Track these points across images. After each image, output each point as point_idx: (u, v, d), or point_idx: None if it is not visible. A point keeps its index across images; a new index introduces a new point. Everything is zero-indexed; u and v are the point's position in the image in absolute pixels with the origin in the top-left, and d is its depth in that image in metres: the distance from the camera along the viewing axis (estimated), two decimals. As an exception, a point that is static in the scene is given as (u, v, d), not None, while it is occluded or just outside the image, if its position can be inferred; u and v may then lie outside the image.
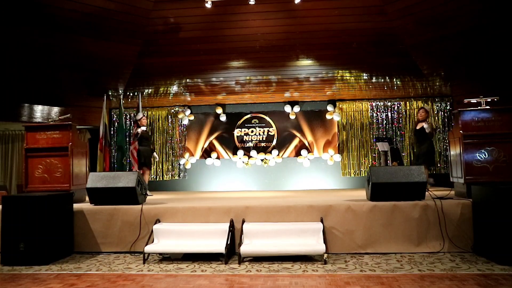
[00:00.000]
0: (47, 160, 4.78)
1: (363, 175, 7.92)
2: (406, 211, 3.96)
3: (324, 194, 6.02)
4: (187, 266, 3.57)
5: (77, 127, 5.27)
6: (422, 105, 7.22)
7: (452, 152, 4.74)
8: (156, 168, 8.35)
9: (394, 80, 7.26)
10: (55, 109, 7.03)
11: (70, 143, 4.82)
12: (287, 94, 7.94)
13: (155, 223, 4.10)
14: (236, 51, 6.69)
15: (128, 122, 8.42)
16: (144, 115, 6.59)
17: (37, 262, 3.72)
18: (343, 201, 4.35)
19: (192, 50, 6.63)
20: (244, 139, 8.35)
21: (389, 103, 8.04)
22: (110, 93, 7.56)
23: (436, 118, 7.87)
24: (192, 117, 8.44)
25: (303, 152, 8.11)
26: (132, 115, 8.44)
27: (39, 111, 6.94)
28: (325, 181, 8.06)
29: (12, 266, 3.72)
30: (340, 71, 7.15)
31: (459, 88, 7.28)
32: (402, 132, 7.94)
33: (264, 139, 8.32)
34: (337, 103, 8.18)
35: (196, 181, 8.37)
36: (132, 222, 4.18)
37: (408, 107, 7.97)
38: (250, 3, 5.69)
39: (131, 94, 7.69)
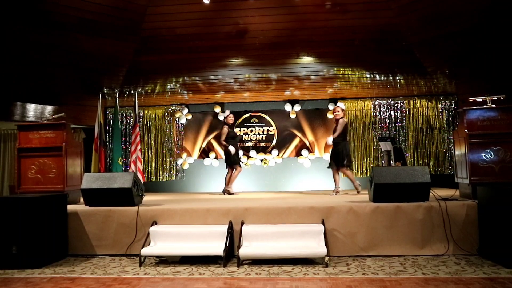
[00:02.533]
0: (40, 161, 4.77)
1: (365, 175, 7.92)
2: (409, 213, 3.95)
3: (325, 196, 6.01)
4: (184, 269, 3.56)
5: (71, 126, 5.27)
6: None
7: (457, 152, 4.74)
8: (153, 169, 8.34)
9: (397, 78, 7.26)
10: (49, 108, 7.01)
11: (64, 143, 4.80)
12: (287, 93, 7.93)
13: (152, 225, 4.09)
14: (235, 48, 6.68)
15: (124, 121, 8.40)
16: (231, 112, 6.68)
17: (30, 265, 3.71)
18: (344, 202, 4.34)
19: (190, 47, 6.62)
20: (244, 139, 8.34)
21: (392, 102, 8.03)
22: (105, 92, 7.54)
23: (441, 117, 7.87)
24: (189, 116, 8.43)
25: (304, 152, 8.10)
26: (127, 113, 8.43)
27: (32, 110, 6.92)
28: (327, 182, 8.06)
29: (4, 269, 3.70)
30: (341, 69, 7.14)
31: (464, 86, 7.28)
32: (406, 132, 7.95)
33: (263, 138, 8.31)
34: (339, 102, 8.17)
35: (194, 182, 8.35)
36: (128, 224, 4.17)
37: (411, 106, 7.97)
38: (249, -2, 5.69)
39: (127, 92, 7.67)
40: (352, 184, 6.16)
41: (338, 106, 6.25)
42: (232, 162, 6.55)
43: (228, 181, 6.65)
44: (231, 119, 6.69)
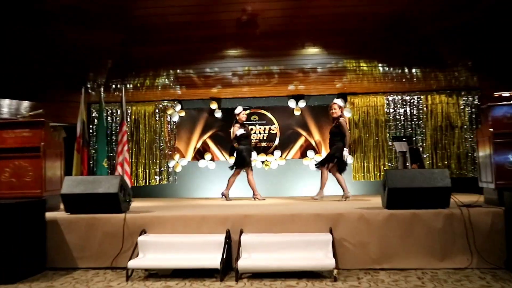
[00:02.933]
0: (15, 163, 4.74)
1: (378, 179, 7.91)
2: (427, 221, 3.92)
3: (333, 201, 5.99)
4: (176, 284, 3.53)
5: (51, 124, 5.22)
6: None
7: (480, 153, 4.71)
8: (142, 172, 8.32)
9: (414, 71, 7.23)
10: (25, 104, 7.00)
11: (43, 143, 4.78)
12: (291, 87, 7.91)
13: (140, 234, 4.07)
14: (233, 38, 6.65)
15: (109, 119, 8.39)
16: (243, 109, 6.68)
17: (3, 280, 3.67)
18: (355, 209, 4.32)
19: (183, 37, 6.59)
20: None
21: (407, 97, 8.01)
22: (89, 86, 7.53)
23: (462, 114, 7.85)
24: (183, 113, 8.42)
25: (310, 153, 8.09)
26: (113, 110, 8.42)
27: (6, 106, 6.91)
28: (335, 186, 8.03)
29: (-27, 284, 3.67)
30: (351, 61, 7.13)
31: (488, 80, 7.26)
32: (423, 130, 7.93)
33: (265, 138, 8.30)
34: (348, 97, 8.16)
35: (187, 186, 8.34)
36: (113, 233, 4.14)
37: (429, 102, 7.95)
38: (249, -18, 5.67)
39: (114, 87, 7.66)
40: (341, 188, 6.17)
41: (335, 103, 6.22)
42: (245, 164, 6.50)
43: (230, 184, 6.65)
44: (243, 116, 6.66)
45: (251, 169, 6.66)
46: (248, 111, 8.30)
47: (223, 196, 6.68)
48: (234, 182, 6.70)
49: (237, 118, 6.65)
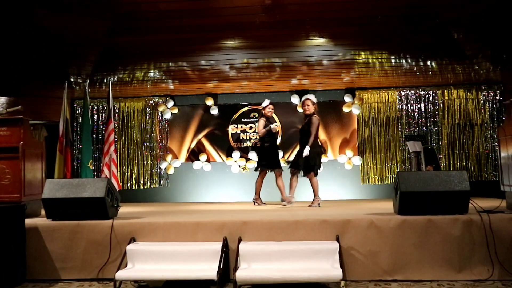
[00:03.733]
0: (-8, 164, 4.74)
1: (389, 182, 7.91)
2: (444, 228, 3.92)
3: (340, 206, 6.00)
4: (168, 297, 3.52)
5: (31, 122, 5.23)
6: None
7: (503, 154, 4.71)
8: (130, 174, 8.32)
9: (429, 63, 7.23)
10: (2, 100, 7.00)
11: (21, 143, 4.77)
12: (294, 82, 7.91)
13: (129, 243, 4.07)
14: (230, 27, 6.65)
15: (95, 116, 8.39)
16: (271, 102, 6.59)
17: (-21, 292, 3.68)
18: (364, 214, 4.32)
19: (176, 26, 6.59)
20: (241, 138, 8.32)
21: (422, 92, 8.01)
22: (72, 80, 7.52)
23: (483, 110, 7.85)
24: (175, 110, 8.41)
25: (315, 153, 8.08)
26: (99, 107, 8.42)
27: (-19, 102, 6.92)
28: (342, 190, 8.04)
29: None
30: (361, 53, 7.13)
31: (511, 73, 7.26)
32: (439, 129, 7.93)
33: (265, 137, 8.29)
34: (357, 93, 8.16)
35: (180, 189, 8.34)
36: (100, 242, 4.15)
37: (446, 97, 7.95)
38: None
39: (100, 81, 7.66)
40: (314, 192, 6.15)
41: (308, 99, 6.16)
42: (274, 164, 6.44)
43: (258, 188, 6.55)
44: (270, 110, 6.53)
45: (281, 170, 6.51)
46: (246, 108, 8.32)
47: (255, 203, 6.53)
48: (262, 185, 6.56)
49: (263, 112, 6.52)
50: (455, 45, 6.77)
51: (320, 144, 6.27)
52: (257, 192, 6.56)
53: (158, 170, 8.36)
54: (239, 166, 8.19)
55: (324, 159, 8.07)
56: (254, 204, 6.53)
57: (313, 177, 6.07)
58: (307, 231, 4.04)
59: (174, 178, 8.38)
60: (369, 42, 6.89)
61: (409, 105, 8.04)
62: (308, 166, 6.01)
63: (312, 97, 6.28)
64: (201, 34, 6.72)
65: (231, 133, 8.36)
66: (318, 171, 6.13)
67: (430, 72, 7.47)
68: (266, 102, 6.59)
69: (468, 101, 7.91)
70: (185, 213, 5.42)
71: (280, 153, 7.33)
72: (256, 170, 6.66)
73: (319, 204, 6.02)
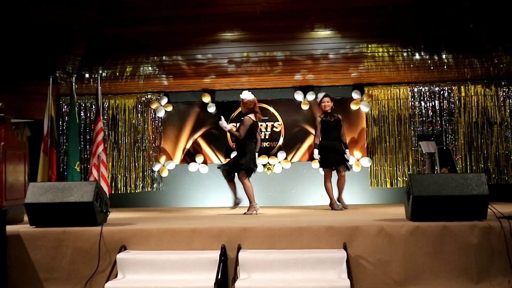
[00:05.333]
0: (-30, 166, 4.74)
1: (401, 185, 7.90)
2: (460, 235, 3.92)
3: (348, 212, 6.00)
4: (162, 310, 3.52)
5: (12, 121, 5.22)
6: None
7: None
8: (121, 177, 8.32)
9: (444, 56, 7.23)
10: (-19, 97, 7.00)
11: (2, 143, 4.77)
12: (297, 77, 7.91)
13: (120, 251, 4.06)
14: (229, 18, 6.66)
15: (83, 114, 8.38)
16: (324, 96, 6.45)
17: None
18: (373, 220, 4.31)
19: (170, 17, 6.61)
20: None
21: (436, 88, 8.00)
22: (58, 75, 7.52)
23: (502, 108, 7.83)
24: (170, 108, 8.41)
25: (320, 154, 8.08)
26: (87, 104, 8.41)
27: (-43, 99, 6.91)
28: (349, 194, 8.02)
29: None
30: (370, 45, 7.14)
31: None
32: (455, 128, 7.92)
33: (267, 137, 8.29)
34: (366, 89, 8.15)
35: (175, 194, 8.34)
36: (87, 250, 4.14)
37: (463, 94, 7.94)
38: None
39: (87, 76, 7.67)
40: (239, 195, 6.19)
41: (243, 98, 6.16)
42: (327, 163, 6.32)
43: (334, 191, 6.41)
44: (328, 104, 6.34)
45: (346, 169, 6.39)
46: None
47: (340, 207, 6.35)
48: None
49: (320, 106, 6.45)
50: (472, 37, 6.76)
51: (254, 141, 6.12)
52: (340, 193, 6.42)
53: (151, 173, 8.35)
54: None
55: (330, 160, 8.07)
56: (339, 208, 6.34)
57: (243, 179, 5.96)
58: (312, 239, 4.03)
59: (168, 181, 8.37)
60: (379, 34, 6.89)
61: (422, 102, 8.03)
62: (235, 166, 5.96)
63: (247, 94, 6.14)
64: (197, 25, 6.73)
65: (230, 133, 8.35)
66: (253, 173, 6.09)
67: (445, 66, 7.47)
68: (320, 95, 6.37)
69: (486, 97, 7.89)
70: (180, 219, 5.41)
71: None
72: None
73: (256, 211, 5.91)
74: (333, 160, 6.33)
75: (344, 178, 6.36)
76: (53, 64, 7.32)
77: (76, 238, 4.17)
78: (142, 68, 7.62)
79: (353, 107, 8.13)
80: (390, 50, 7.21)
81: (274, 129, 8.29)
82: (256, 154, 6.25)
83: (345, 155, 6.47)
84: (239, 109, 8.29)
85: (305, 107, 8.21)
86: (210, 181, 8.22)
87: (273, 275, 3.76)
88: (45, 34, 6.65)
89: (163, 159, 8.33)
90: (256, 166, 6.13)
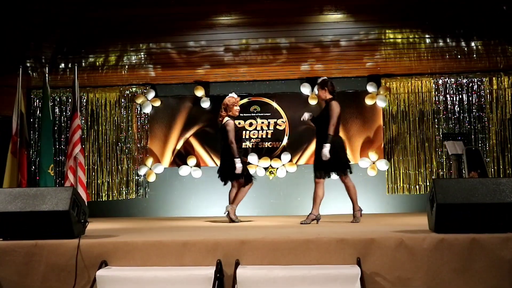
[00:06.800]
0: None
1: (423, 192, 7.91)
2: (492, 250, 3.91)
3: (362, 222, 6.00)
4: (148, 335, 3.52)
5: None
6: None
7: None
8: (102, 182, 8.32)
9: (473, 44, 7.23)
10: None
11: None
12: (304, 67, 7.91)
13: (100, 267, 4.06)
14: (225, -1, 6.67)
15: (57, 110, 8.39)
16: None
17: None
18: (391, 232, 4.31)
19: (158, -2, 6.61)
20: (239, 137, 8.32)
21: (464, 80, 8.01)
22: (29, 65, 7.53)
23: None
24: (157, 103, 8.42)
25: (330, 156, 8.08)
26: (63, 98, 8.41)
27: None
28: (364, 202, 8.00)
29: None
30: (387, 31, 7.12)
31: None
32: (486, 125, 7.92)
33: (269, 136, 8.30)
34: (383, 81, 8.16)
35: (164, 201, 8.34)
36: (63, 266, 4.14)
37: (495, 86, 7.95)
38: None
39: (63, 66, 7.66)
40: None
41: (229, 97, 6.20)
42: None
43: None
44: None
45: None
46: (246, 100, 8.31)
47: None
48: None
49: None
50: (506, 21, 6.75)
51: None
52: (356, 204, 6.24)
53: (136, 177, 8.36)
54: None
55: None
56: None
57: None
58: (321, 253, 4.03)
59: (155, 187, 8.37)
60: (398, 17, 6.88)
61: (448, 96, 8.04)
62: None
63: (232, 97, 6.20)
64: (189, 7, 6.71)
65: (227, 131, 8.36)
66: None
67: (474, 55, 7.46)
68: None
69: (522, 90, 7.91)
70: (169, 230, 5.41)
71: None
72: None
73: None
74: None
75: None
76: (23, 52, 7.32)
77: (49, 252, 4.17)
78: (126, 57, 7.62)
79: (368, 101, 8.13)
80: (411, 36, 7.20)
81: (277, 127, 8.29)
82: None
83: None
84: (241, 102, 8.28)
85: (312, 101, 8.20)
86: (203, 187, 8.22)
87: (276, 295, 3.76)
88: (15, 17, 6.65)
89: (149, 161, 8.33)
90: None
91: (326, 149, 5.62)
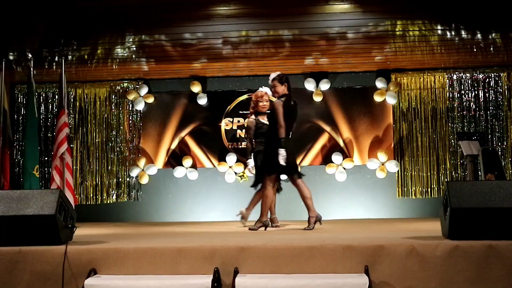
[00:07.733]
0: None
1: (436, 195, 7.91)
2: (510, 257, 3.91)
3: (370, 227, 6.01)
4: None
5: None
6: None
7: None
8: (91, 184, 8.32)
9: (490, 36, 7.23)
10: None
11: None
12: (309, 61, 7.93)
13: (89, 276, 4.07)
14: (224, -12, 6.67)
15: (43, 106, 8.39)
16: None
17: None
18: (402, 239, 4.32)
19: (151, -14, 6.62)
20: (238, 136, 8.32)
21: (480, 76, 8.01)
22: (12, 58, 7.54)
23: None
24: (151, 99, 8.42)
25: (336, 157, 8.09)
26: (49, 94, 8.41)
27: None
28: (373, 206, 8.04)
29: None
30: (398, 22, 7.12)
31: None
32: (503, 124, 7.93)
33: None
34: (393, 76, 8.16)
35: (157, 205, 8.35)
36: (48, 275, 4.14)
37: (513, 82, 7.95)
38: None
39: (49, 59, 7.67)
40: None
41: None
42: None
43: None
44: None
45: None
46: (245, 96, 8.31)
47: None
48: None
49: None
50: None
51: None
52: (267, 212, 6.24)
53: (128, 179, 8.36)
54: (236, 173, 8.18)
55: (348, 165, 8.07)
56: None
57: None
58: (326, 261, 4.03)
59: (148, 190, 8.38)
60: (410, 8, 6.87)
61: (462, 92, 8.03)
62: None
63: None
64: (184, -3, 6.73)
65: (225, 130, 8.35)
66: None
67: (491, 48, 7.47)
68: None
69: (544, 87, 7.91)
70: (163, 236, 5.41)
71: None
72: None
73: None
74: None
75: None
76: (6, 44, 7.32)
77: (34, 259, 4.18)
78: (116, 49, 7.63)
79: (377, 98, 8.13)
80: (423, 28, 7.20)
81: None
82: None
83: None
84: (238, 100, 8.33)
85: (317, 98, 8.21)
86: (200, 190, 8.23)
87: (278, 306, 3.76)
88: (-3, 7, 6.66)
89: (142, 162, 8.33)
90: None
91: (282, 155, 5.58)
